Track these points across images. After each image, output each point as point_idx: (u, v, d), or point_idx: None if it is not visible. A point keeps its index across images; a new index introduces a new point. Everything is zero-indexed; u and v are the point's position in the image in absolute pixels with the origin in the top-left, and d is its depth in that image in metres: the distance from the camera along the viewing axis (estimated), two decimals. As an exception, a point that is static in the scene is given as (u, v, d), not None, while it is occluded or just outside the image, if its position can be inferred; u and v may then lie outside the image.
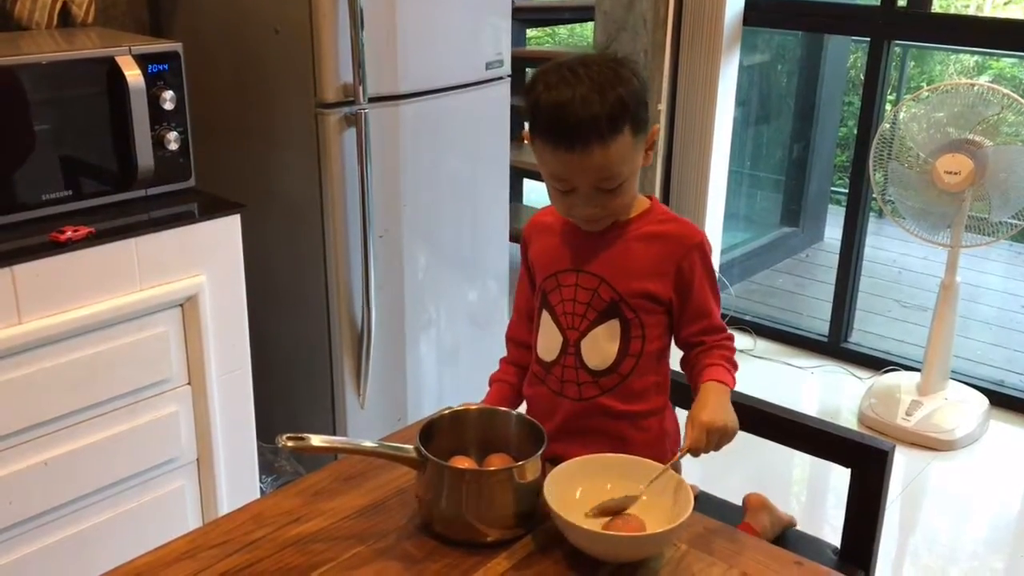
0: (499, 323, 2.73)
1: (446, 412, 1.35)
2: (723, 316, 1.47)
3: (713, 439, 1.30)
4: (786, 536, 1.73)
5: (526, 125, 1.39)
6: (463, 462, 1.29)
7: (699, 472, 1.61)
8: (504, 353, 1.59)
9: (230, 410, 2.11)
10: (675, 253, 1.40)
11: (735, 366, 1.44)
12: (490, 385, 1.58)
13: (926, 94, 2.97)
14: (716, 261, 3.85)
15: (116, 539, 1.96)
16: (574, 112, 1.28)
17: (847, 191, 3.56)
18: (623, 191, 1.36)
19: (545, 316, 1.47)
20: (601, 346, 1.42)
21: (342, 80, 2.24)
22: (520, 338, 1.56)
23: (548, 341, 1.46)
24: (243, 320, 2.11)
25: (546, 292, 1.46)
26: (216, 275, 2.02)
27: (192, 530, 1.29)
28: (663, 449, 1.46)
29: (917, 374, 3.22)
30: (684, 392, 1.72)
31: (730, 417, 1.33)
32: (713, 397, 1.35)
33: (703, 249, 1.42)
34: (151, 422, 1.97)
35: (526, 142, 1.41)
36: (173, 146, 2.02)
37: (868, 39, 3.39)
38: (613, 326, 1.41)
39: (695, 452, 1.30)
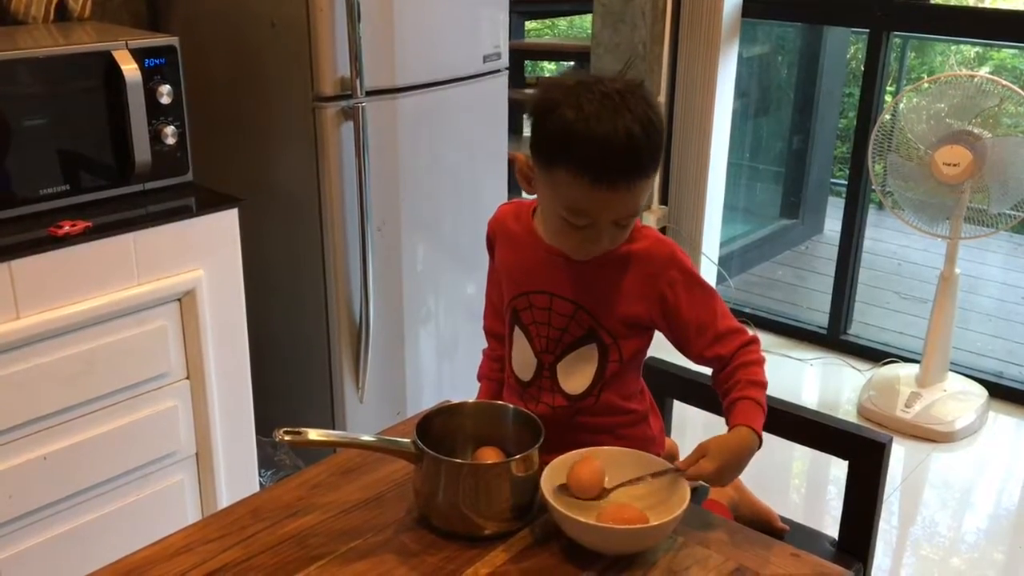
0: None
1: (444, 406, 1.35)
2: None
3: (711, 481, 1.28)
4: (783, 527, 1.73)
5: (528, 153, 1.28)
6: (490, 455, 1.28)
7: (697, 464, 1.61)
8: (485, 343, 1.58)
9: (229, 404, 2.12)
10: (652, 274, 1.33)
11: (762, 385, 1.33)
12: (479, 381, 1.58)
13: (926, 85, 2.96)
14: (715, 253, 3.84)
15: (115, 533, 1.96)
16: (625, 146, 1.19)
17: (847, 183, 3.56)
18: (632, 224, 1.31)
19: (518, 333, 1.42)
20: (577, 371, 1.38)
21: (339, 73, 2.23)
22: (497, 331, 1.52)
23: (523, 361, 1.42)
24: (241, 314, 2.11)
25: (518, 310, 1.41)
26: (214, 269, 2.02)
27: (191, 524, 1.29)
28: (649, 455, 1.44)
29: (916, 366, 3.22)
30: (688, 387, 1.74)
31: (735, 473, 1.29)
32: (737, 445, 1.28)
33: (676, 259, 1.35)
34: (150, 416, 1.97)
35: (519, 165, 1.32)
36: (170, 140, 2.02)
37: (867, 30, 3.38)
38: (590, 351, 1.37)
39: (688, 478, 1.26)
